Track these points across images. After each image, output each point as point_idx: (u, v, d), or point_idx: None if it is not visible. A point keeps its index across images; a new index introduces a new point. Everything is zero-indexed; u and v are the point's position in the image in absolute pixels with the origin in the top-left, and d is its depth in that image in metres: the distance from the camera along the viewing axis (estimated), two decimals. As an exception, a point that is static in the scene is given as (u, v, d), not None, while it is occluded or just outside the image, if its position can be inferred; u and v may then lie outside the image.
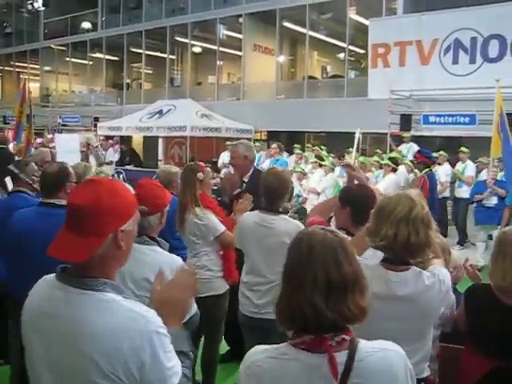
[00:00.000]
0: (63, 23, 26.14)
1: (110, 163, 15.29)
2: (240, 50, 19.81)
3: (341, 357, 1.49)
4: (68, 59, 26.48)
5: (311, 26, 18.12)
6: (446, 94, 12.59)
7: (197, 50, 23.16)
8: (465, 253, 9.28)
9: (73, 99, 25.98)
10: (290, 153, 14.48)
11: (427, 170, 8.64)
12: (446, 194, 10.87)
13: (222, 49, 20.68)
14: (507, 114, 8.58)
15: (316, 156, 12.32)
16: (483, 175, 10.24)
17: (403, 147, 12.62)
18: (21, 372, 3.35)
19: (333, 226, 3.01)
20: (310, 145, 14.95)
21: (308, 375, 1.51)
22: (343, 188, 3.37)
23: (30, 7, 27.85)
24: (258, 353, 1.61)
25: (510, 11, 12.40)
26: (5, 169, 4.39)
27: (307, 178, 11.51)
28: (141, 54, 22.92)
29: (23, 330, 1.67)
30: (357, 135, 9.11)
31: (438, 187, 9.74)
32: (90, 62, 25.50)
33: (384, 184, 9.61)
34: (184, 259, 3.11)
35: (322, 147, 14.07)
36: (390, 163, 10.27)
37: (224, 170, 13.13)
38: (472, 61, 13.38)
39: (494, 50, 13.00)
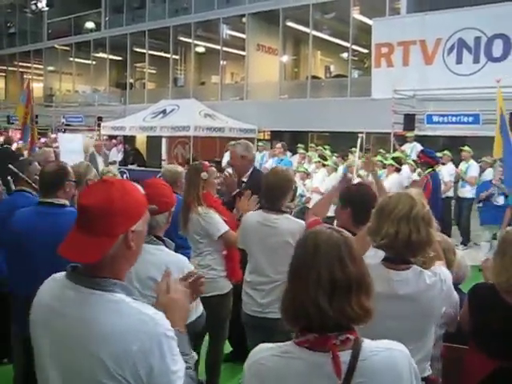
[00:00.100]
0: (67, 23, 26.20)
1: (114, 163, 15.34)
2: (243, 49, 19.82)
3: (345, 356, 1.49)
4: (71, 59, 26.57)
5: (314, 25, 18.11)
6: (450, 93, 12.57)
7: (200, 49, 23.18)
8: (468, 253, 9.27)
9: (76, 99, 26.06)
10: (294, 152, 14.48)
11: (430, 169, 8.62)
12: (450, 193, 10.84)
13: (225, 49, 20.69)
14: (512, 113, 8.59)
15: (319, 156, 12.31)
16: (487, 175, 10.22)
17: (407, 147, 12.60)
18: (24, 371, 3.38)
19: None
20: (313, 144, 14.97)
21: (311, 374, 1.51)
22: (344, 188, 3.36)
23: (33, 7, 27.93)
24: (263, 351, 1.61)
25: (513, 11, 12.39)
26: (7, 168, 4.40)
27: (310, 177, 11.50)
28: (144, 53, 22.94)
29: (31, 329, 1.66)
30: (359, 141, 9.11)
31: (442, 187, 9.71)
32: (94, 62, 25.56)
33: (387, 184, 9.58)
34: (188, 258, 3.11)
35: (326, 147, 14.07)
36: (393, 163, 10.25)
37: (226, 170, 13.13)
38: (476, 60, 13.35)
39: (497, 49, 12.97)
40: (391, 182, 9.77)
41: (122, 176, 13.85)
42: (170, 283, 1.82)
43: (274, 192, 3.73)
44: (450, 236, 8.21)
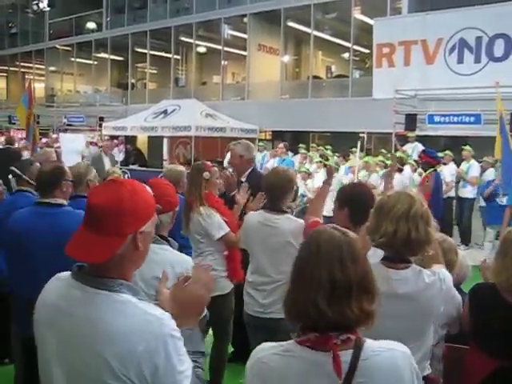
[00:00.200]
0: (68, 23, 26.22)
1: (115, 163, 15.32)
2: (245, 49, 19.83)
3: (346, 355, 1.49)
4: (73, 59, 26.60)
5: (316, 25, 18.11)
6: (451, 93, 12.56)
7: (201, 49, 23.20)
8: (469, 253, 9.28)
9: (78, 99, 26.09)
10: (295, 152, 14.48)
11: (432, 169, 8.63)
12: (451, 193, 10.83)
13: (226, 49, 20.70)
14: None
15: (320, 156, 12.31)
16: (488, 175, 10.21)
17: (408, 147, 12.60)
18: (24, 371, 3.38)
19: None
20: (314, 144, 14.96)
21: (312, 373, 1.51)
22: (340, 188, 3.34)
23: (35, 8, 27.98)
24: (264, 350, 1.62)
25: (515, 10, 12.39)
26: (9, 168, 4.41)
27: (312, 177, 11.50)
28: (145, 53, 22.96)
29: (35, 328, 1.66)
30: (359, 144, 9.12)
31: (444, 187, 9.71)
32: (95, 62, 25.57)
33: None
34: (189, 258, 3.12)
35: (327, 147, 14.07)
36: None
37: (228, 170, 13.14)
38: (477, 60, 13.34)
39: (499, 49, 12.96)
40: (393, 182, 9.75)
41: (124, 176, 13.87)
42: (187, 278, 1.81)
43: (274, 192, 3.73)
44: (451, 236, 8.22)
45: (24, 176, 4.28)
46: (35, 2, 27.72)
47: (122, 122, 18.03)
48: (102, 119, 20.03)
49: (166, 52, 22.84)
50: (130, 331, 1.49)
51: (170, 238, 2.76)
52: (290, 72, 21.60)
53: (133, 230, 1.57)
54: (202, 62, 24.24)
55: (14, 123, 22.24)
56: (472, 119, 12.31)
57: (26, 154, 10.44)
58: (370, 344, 1.53)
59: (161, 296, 1.86)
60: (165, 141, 18.18)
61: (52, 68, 28.41)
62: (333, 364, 1.47)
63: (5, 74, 32.55)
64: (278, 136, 18.52)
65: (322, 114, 16.10)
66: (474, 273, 3.63)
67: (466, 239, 10.63)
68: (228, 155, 14.72)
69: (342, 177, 10.94)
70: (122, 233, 1.55)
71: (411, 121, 13.23)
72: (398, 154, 11.53)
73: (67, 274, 1.65)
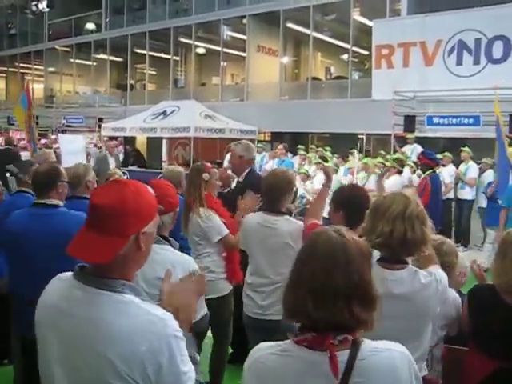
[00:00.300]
0: (67, 24, 26.24)
1: (120, 164, 15.29)
2: (244, 51, 19.85)
3: (343, 355, 1.49)
4: (72, 60, 26.60)
5: (315, 27, 18.13)
6: (450, 95, 12.58)
7: (201, 51, 23.21)
8: (469, 254, 9.28)
9: (77, 100, 26.08)
10: (294, 154, 14.49)
11: (430, 171, 8.62)
12: (451, 195, 10.83)
13: (225, 50, 20.72)
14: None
15: (320, 157, 12.31)
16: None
17: (407, 148, 12.60)
18: (24, 371, 3.38)
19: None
20: (313, 146, 14.97)
21: (309, 372, 1.51)
22: (335, 191, 3.35)
23: (34, 8, 27.99)
24: (262, 349, 1.62)
25: (514, 12, 12.40)
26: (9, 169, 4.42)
27: (311, 179, 11.50)
28: (145, 55, 22.96)
29: (37, 329, 1.66)
30: (356, 153, 9.13)
31: (443, 188, 9.70)
32: (94, 63, 25.59)
33: (388, 185, 9.59)
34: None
35: (327, 148, 14.07)
36: (395, 165, 10.22)
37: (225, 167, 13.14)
38: (476, 62, 13.36)
39: (498, 51, 12.98)
40: (392, 184, 9.75)
41: (123, 177, 13.86)
42: (178, 284, 1.83)
43: (273, 193, 3.73)
44: (449, 238, 8.22)
45: (21, 176, 4.28)
46: (34, 3, 27.74)
47: (121, 123, 18.01)
48: (101, 120, 20.01)
49: (166, 53, 22.85)
50: (132, 331, 1.49)
51: (171, 238, 2.76)
52: (289, 73, 21.61)
53: (136, 230, 1.57)
54: (201, 63, 24.25)
55: (13, 124, 22.22)
56: (471, 121, 12.33)
57: (24, 155, 10.44)
58: (367, 344, 1.53)
59: (164, 296, 1.86)
60: (164, 142, 18.14)
61: (51, 69, 28.40)
62: (329, 364, 1.47)
63: (4, 75, 32.54)
64: (277, 137, 18.53)
65: (321, 116, 16.11)
66: (472, 274, 3.63)
67: (464, 241, 10.63)
68: (227, 156, 14.77)
69: (341, 178, 10.94)
70: (125, 233, 1.55)
71: (410, 122, 13.24)
72: (397, 155, 11.54)
73: (69, 274, 1.65)
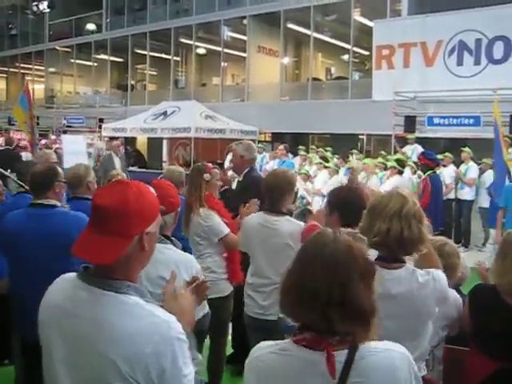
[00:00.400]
0: (68, 25, 26.25)
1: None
2: (244, 51, 19.85)
3: (341, 355, 1.49)
4: (73, 61, 26.61)
5: (315, 27, 18.13)
6: (451, 95, 12.59)
7: (201, 51, 23.22)
8: (469, 255, 9.28)
9: (77, 100, 26.09)
10: (294, 154, 14.49)
11: (430, 172, 8.62)
12: (451, 195, 10.83)
13: (226, 50, 20.72)
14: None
15: (321, 157, 12.32)
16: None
17: (407, 149, 12.60)
18: (25, 372, 3.38)
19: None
20: (314, 146, 14.97)
21: (307, 372, 1.52)
22: (329, 192, 3.35)
23: (35, 9, 27.98)
24: (261, 348, 1.63)
25: (514, 13, 12.40)
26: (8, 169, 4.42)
27: (311, 179, 11.50)
28: (145, 55, 22.97)
29: (40, 330, 1.66)
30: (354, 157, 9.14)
31: (443, 189, 9.70)
32: (95, 64, 25.59)
33: (388, 186, 9.59)
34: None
35: (327, 149, 14.07)
36: (396, 165, 10.23)
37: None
38: (477, 62, 13.36)
39: (498, 51, 12.98)
40: (393, 184, 9.75)
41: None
42: (177, 289, 1.84)
43: (273, 193, 3.73)
44: (450, 237, 8.23)
45: (12, 177, 4.27)
46: (35, 4, 27.74)
47: (122, 124, 18.01)
48: (101, 120, 20.01)
49: (166, 53, 22.86)
50: (136, 333, 1.49)
51: (173, 238, 2.77)
52: (289, 74, 21.61)
53: (139, 230, 1.58)
54: (201, 63, 24.25)
55: (14, 124, 22.20)
56: (471, 121, 12.33)
57: (25, 155, 10.46)
58: (367, 344, 1.53)
59: (166, 298, 1.87)
60: (164, 142, 18.16)
61: (52, 69, 28.41)
62: (326, 363, 1.47)
63: (4, 76, 32.57)
64: (277, 138, 18.53)
65: (321, 116, 16.11)
66: (473, 275, 3.63)
67: (465, 241, 10.63)
68: (228, 157, 14.78)
69: (342, 178, 10.95)
70: (128, 234, 1.56)
71: (410, 123, 13.23)
72: (398, 155, 11.54)
73: (73, 274, 1.66)
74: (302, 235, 3.43)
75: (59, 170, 3.63)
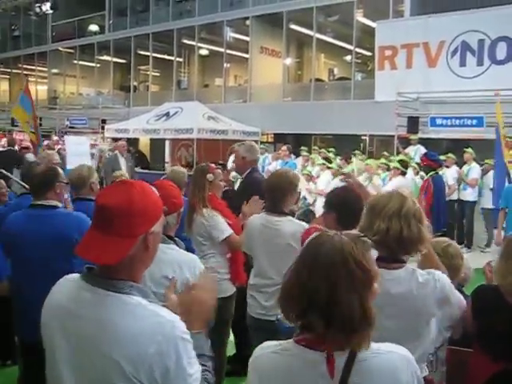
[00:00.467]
0: (71, 26, 26.29)
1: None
2: (247, 52, 19.85)
3: (342, 356, 1.49)
4: (76, 62, 26.65)
5: (318, 28, 18.14)
6: (454, 96, 12.58)
7: (204, 52, 23.24)
8: (472, 256, 9.27)
9: (80, 101, 26.13)
10: (297, 155, 14.48)
11: (433, 173, 8.61)
12: (454, 196, 10.82)
13: (228, 51, 20.73)
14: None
15: (324, 158, 12.31)
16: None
17: (410, 149, 12.59)
18: (25, 372, 3.39)
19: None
20: (316, 147, 14.95)
21: (307, 372, 1.52)
22: (327, 193, 3.35)
23: (38, 10, 28.03)
24: (264, 348, 1.64)
25: (517, 13, 12.39)
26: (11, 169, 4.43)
27: (314, 180, 11.50)
28: (148, 56, 23.01)
29: (43, 330, 1.66)
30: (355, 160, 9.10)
31: (446, 190, 9.68)
32: (98, 65, 25.62)
33: (391, 187, 9.58)
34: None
35: (330, 149, 14.07)
36: (399, 166, 10.21)
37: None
38: (479, 63, 13.34)
39: (501, 52, 12.96)
40: (396, 185, 9.74)
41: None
42: (197, 282, 1.84)
43: (274, 194, 3.74)
44: (453, 238, 8.21)
45: (14, 177, 4.28)
46: (38, 5, 27.77)
47: (125, 125, 18.04)
48: (104, 121, 20.05)
49: (169, 54, 22.89)
50: (139, 333, 1.49)
51: (176, 238, 2.77)
52: (292, 75, 21.62)
53: (143, 230, 1.58)
54: (204, 64, 24.27)
55: (17, 125, 22.25)
56: (474, 122, 12.31)
57: (28, 156, 10.46)
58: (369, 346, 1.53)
59: (168, 302, 1.87)
60: (167, 143, 18.17)
61: (55, 70, 28.47)
62: (326, 364, 1.48)
63: (8, 77, 32.61)
64: (280, 138, 18.52)
65: (324, 117, 16.11)
66: (476, 275, 3.63)
67: (468, 242, 10.61)
68: (231, 158, 14.79)
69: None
70: (133, 234, 1.56)
71: (413, 123, 13.22)
72: (401, 156, 11.53)
73: (76, 275, 1.66)
74: (302, 237, 3.43)
75: (60, 170, 3.63)
